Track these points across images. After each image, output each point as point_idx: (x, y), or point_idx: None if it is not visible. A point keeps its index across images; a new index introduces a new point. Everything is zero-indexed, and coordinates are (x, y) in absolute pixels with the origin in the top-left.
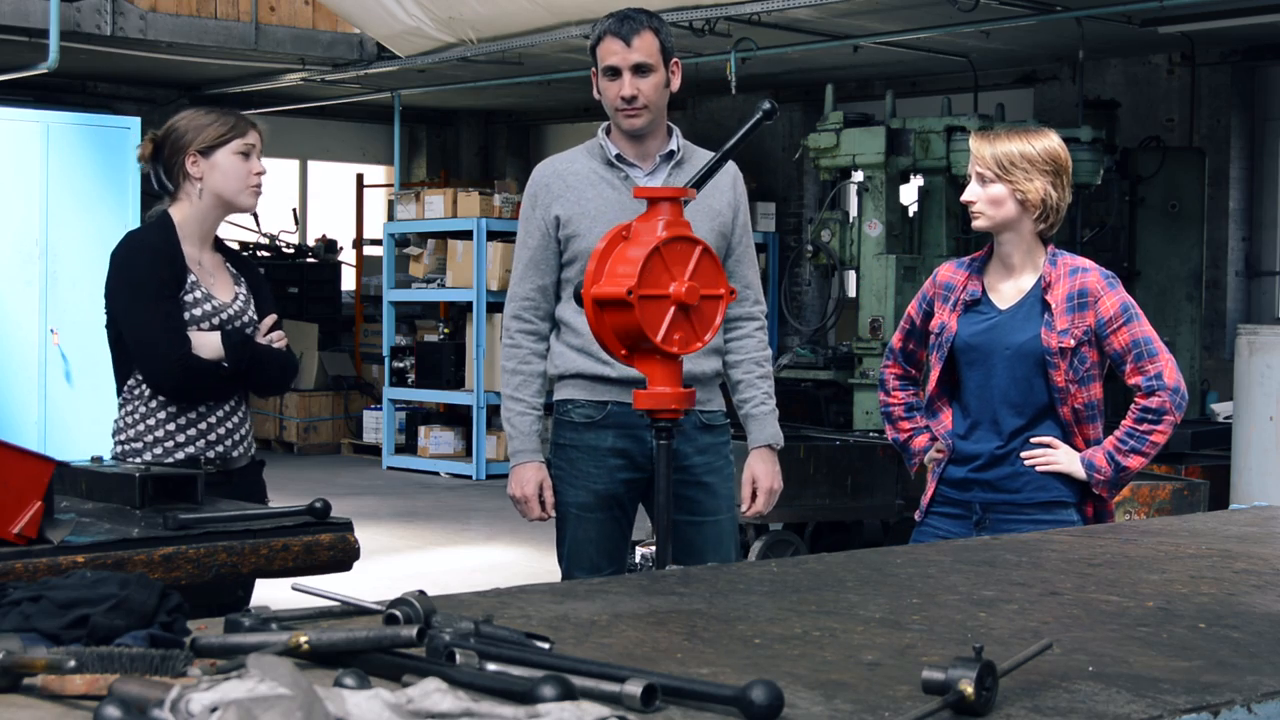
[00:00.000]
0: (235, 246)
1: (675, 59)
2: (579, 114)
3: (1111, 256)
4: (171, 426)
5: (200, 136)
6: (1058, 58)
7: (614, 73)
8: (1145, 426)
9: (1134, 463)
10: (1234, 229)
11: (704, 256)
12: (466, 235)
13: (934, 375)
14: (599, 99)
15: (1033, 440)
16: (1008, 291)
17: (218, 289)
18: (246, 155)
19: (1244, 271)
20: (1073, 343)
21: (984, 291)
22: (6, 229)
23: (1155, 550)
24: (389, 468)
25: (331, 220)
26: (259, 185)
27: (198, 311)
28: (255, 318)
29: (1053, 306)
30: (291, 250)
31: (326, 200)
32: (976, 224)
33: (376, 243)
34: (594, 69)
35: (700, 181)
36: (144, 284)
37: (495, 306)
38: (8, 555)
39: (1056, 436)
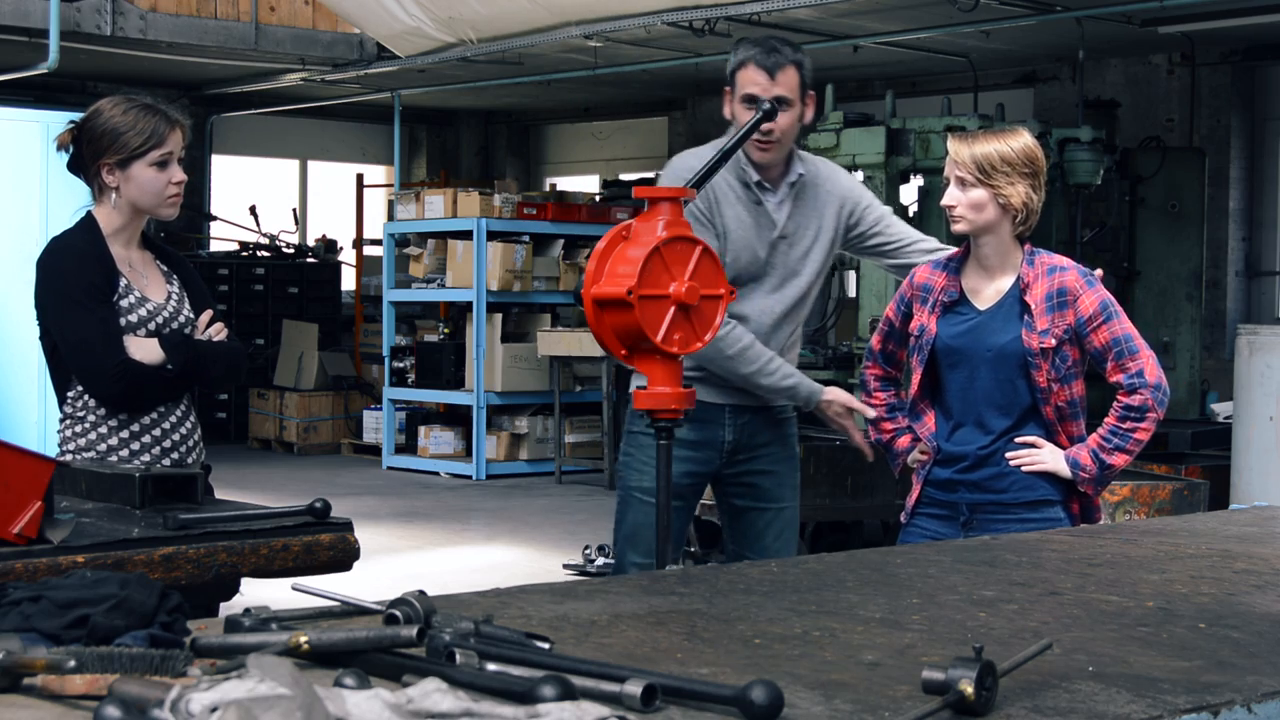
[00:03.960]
0: (235, 246)
1: (812, 93)
2: (579, 114)
3: (1111, 256)
4: (125, 434)
5: (115, 145)
6: (1058, 58)
7: (752, 101)
8: (1129, 424)
9: (1118, 460)
10: (1234, 229)
11: (704, 256)
12: (466, 235)
13: (915, 378)
14: (730, 119)
15: (1017, 440)
16: (986, 292)
17: (150, 289)
18: (164, 165)
19: (1244, 271)
20: (1054, 342)
21: (962, 292)
22: (6, 229)
23: (1155, 550)
24: (389, 468)
25: (331, 220)
26: (178, 195)
27: (133, 317)
28: (192, 315)
29: (1032, 307)
30: (291, 250)
31: (326, 200)
32: (956, 228)
33: (376, 243)
34: (728, 89)
35: (700, 181)
36: (73, 290)
37: (495, 307)
38: (8, 555)
39: (1040, 435)
